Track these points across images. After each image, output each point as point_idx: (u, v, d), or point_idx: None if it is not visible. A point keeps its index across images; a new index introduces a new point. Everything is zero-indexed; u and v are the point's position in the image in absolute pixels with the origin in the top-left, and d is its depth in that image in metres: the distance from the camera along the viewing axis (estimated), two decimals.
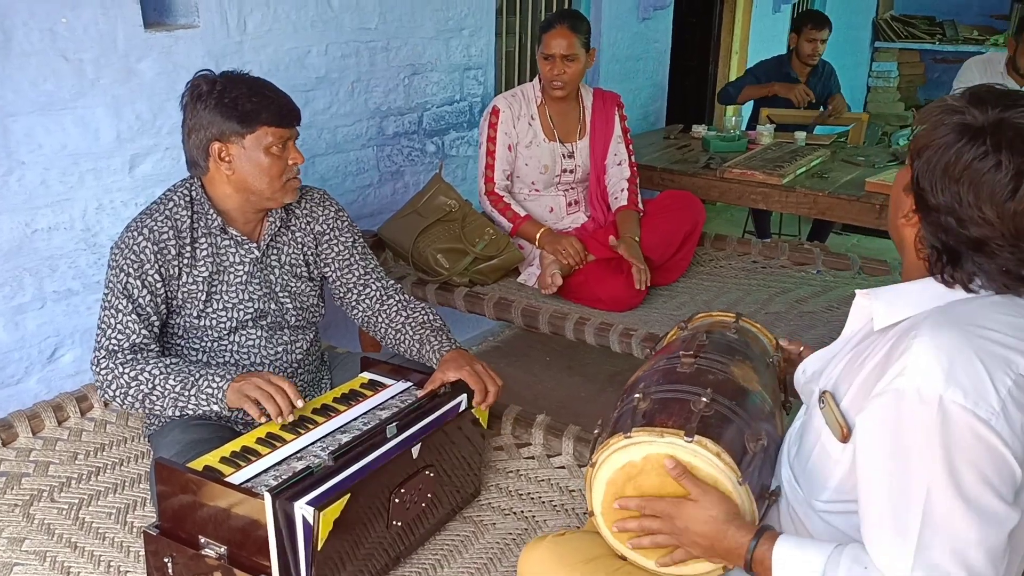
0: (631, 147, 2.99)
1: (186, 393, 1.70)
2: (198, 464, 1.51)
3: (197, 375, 1.71)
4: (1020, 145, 1.04)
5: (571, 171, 2.93)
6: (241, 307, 1.88)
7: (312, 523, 1.36)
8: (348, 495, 1.40)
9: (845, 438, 1.15)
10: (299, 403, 1.66)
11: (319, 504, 1.37)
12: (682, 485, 1.25)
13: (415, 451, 1.58)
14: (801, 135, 4.04)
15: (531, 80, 2.95)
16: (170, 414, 1.74)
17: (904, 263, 1.23)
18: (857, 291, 1.28)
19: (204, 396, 1.69)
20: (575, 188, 2.97)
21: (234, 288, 1.88)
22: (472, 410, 1.76)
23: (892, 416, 1.05)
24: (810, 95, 4.31)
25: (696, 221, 2.88)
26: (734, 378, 1.40)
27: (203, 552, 1.46)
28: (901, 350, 1.08)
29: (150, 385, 1.71)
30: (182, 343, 1.89)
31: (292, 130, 1.82)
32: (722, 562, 1.26)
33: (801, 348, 1.61)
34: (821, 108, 4.39)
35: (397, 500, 1.55)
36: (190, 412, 1.71)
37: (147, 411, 1.75)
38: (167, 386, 1.70)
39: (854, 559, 1.09)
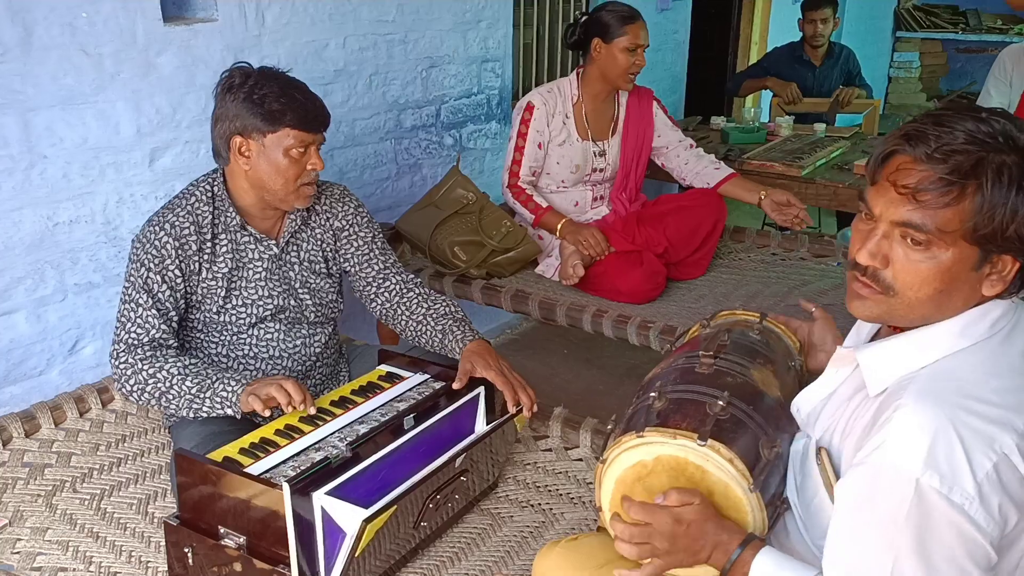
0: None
1: (201, 396, 1.70)
2: (217, 455, 1.52)
3: (214, 378, 1.71)
4: None
5: (601, 170, 2.91)
6: (261, 303, 1.89)
7: (356, 533, 1.36)
8: (395, 507, 1.41)
9: None
10: (311, 409, 1.66)
11: (368, 517, 1.36)
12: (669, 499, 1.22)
13: (459, 460, 1.59)
14: (821, 126, 4.01)
15: (560, 75, 2.93)
16: (184, 415, 1.74)
17: (917, 312, 1.11)
18: (840, 347, 1.26)
19: (219, 399, 1.69)
20: (602, 184, 2.96)
21: (253, 284, 1.88)
22: (515, 419, 1.76)
23: (867, 488, 1.03)
24: (798, 95, 4.24)
25: (717, 220, 2.85)
26: (753, 382, 1.37)
27: (223, 542, 1.46)
28: (884, 419, 1.05)
29: (167, 384, 1.72)
30: (201, 336, 1.90)
31: (316, 135, 1.80)
32: (700, 565, 1.23)
33: (813, 308, 1.56)
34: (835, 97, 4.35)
35: (432, 505, 1.56)
36: (204, 415, 1.72)
37: (162, 409, 1.76)
38: (184, 387, 1.71)
39: None
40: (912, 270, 1.06)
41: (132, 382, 1.74)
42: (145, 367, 1.73)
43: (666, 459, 1.25)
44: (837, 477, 1.17)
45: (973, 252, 1.04)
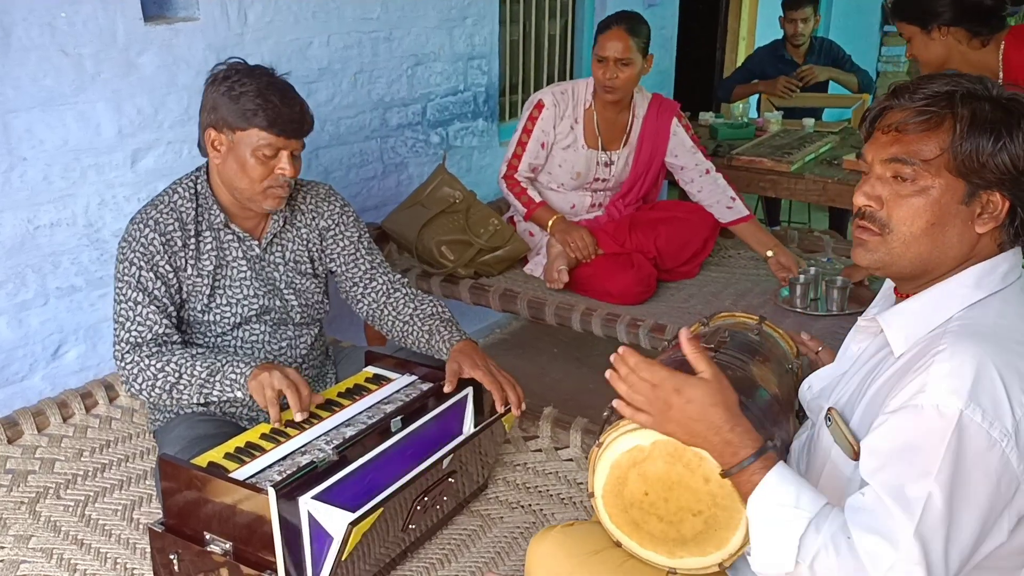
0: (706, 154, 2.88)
1: (212, 379, 1.69)
2: (202, 460, 1.50)
3: (223, 361, 1.71)
4: None
5: (605, 179, 2.85)
6: (245, 303, 1.87)
7: (343, 536, 1.35)
8: (382, 510, 1.39)
9: (856, 456, 1.15)
10: (303, 415, 1.65)
11: (354, 520, 1.35)
12: (695, 359, 1.17)
13: (446, 461, 1.57)
14: (809, 121, 4.01)
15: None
16: (195, 401, 1.73)
17: (914, 249, 1.16)
18: (860, 319, 1.29)
19: (228, 382, 1.69)
20: (604, 192, 2.91)
21: (238, 284, 1.86)
22: (503, 419, 1.75)
23: (907, 427, 1.05)
24: (791, 83, 4.24)
25: (708, 237, 2.82)
26: (752, 376, 1.38)
27: (208, 548, 1.45)
28: (920, 366, 1.07)
29: (176, 375, 1.71)
30: (186, 337, 1.88)
31: (289, 141, 1.75)
32: (692, 446, 1.18)
33: (820, 348, 1.59)
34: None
35: (419, 507, 1.55)
36: (215, 399, 1.71)
37: (174, 401, 1.74)
38: (193, 373, 1.70)
39: (841, 526, 1.06)
40: (904, 204, 1.14)
41: (140, 380, 1.72)
42: (152, 363, 1.72)
43: (663, 444, 1.24)
44: (854, 438, 1.18)
45: (959, 184, 1.12)
